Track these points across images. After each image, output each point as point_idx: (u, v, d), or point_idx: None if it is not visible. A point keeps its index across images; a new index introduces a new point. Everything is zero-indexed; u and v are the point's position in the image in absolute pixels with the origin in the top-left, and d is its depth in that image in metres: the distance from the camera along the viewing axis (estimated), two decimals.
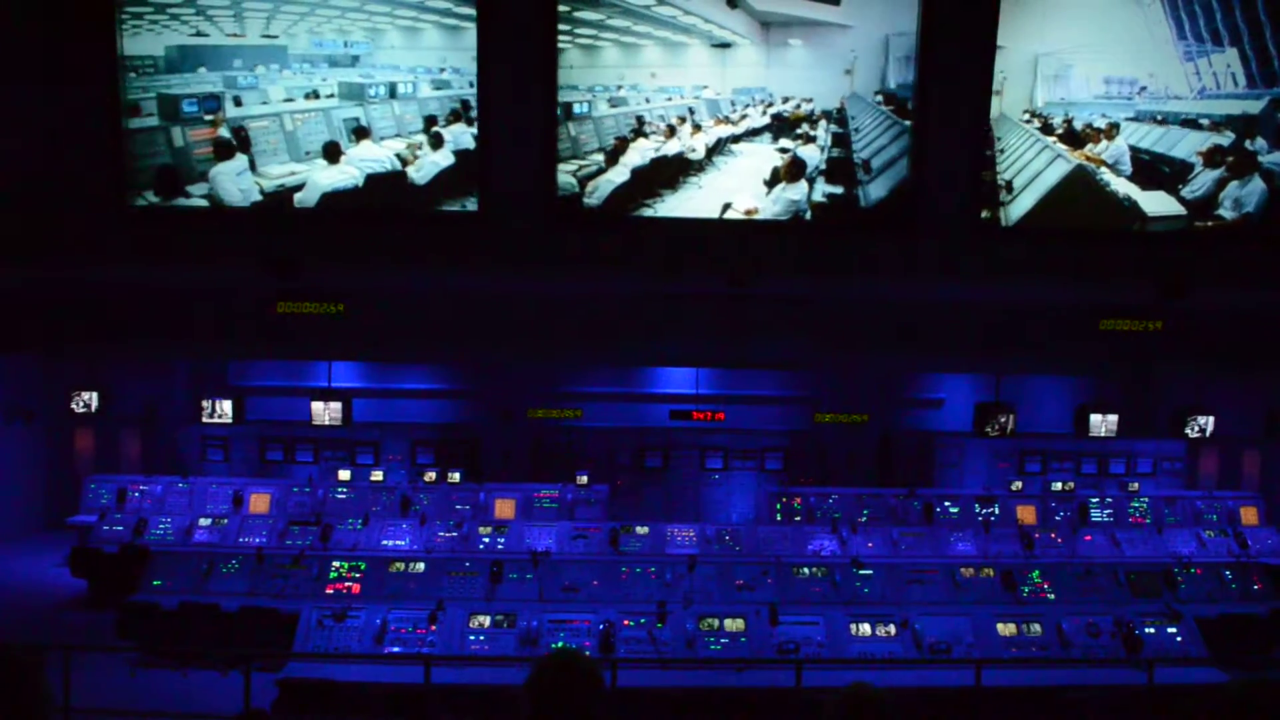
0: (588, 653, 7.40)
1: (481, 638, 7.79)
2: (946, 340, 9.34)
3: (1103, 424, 11.67)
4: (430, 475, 13.22)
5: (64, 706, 6.68)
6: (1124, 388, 15.17)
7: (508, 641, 7.75)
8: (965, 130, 7.91)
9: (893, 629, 7.91)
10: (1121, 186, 7.92)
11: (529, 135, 7.83)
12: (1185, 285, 8.26)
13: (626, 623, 7.84)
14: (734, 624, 7.90)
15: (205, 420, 12.13)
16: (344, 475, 13.61)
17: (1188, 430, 11.76)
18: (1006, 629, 7.99)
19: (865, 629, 7.91)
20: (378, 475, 13.60)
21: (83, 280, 8.85)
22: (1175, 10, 7.58)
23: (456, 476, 13.13)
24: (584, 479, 12.95)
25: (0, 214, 7.95)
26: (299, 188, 7.84)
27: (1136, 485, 13.78)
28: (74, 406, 12.60)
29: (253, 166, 7.80)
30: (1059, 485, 13.28)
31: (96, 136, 7.79)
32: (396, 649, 7.69)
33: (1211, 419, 11.62)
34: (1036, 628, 8.01)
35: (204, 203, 7.82)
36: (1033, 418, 14.26)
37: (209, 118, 7.72)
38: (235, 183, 7.80)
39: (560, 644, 7.65)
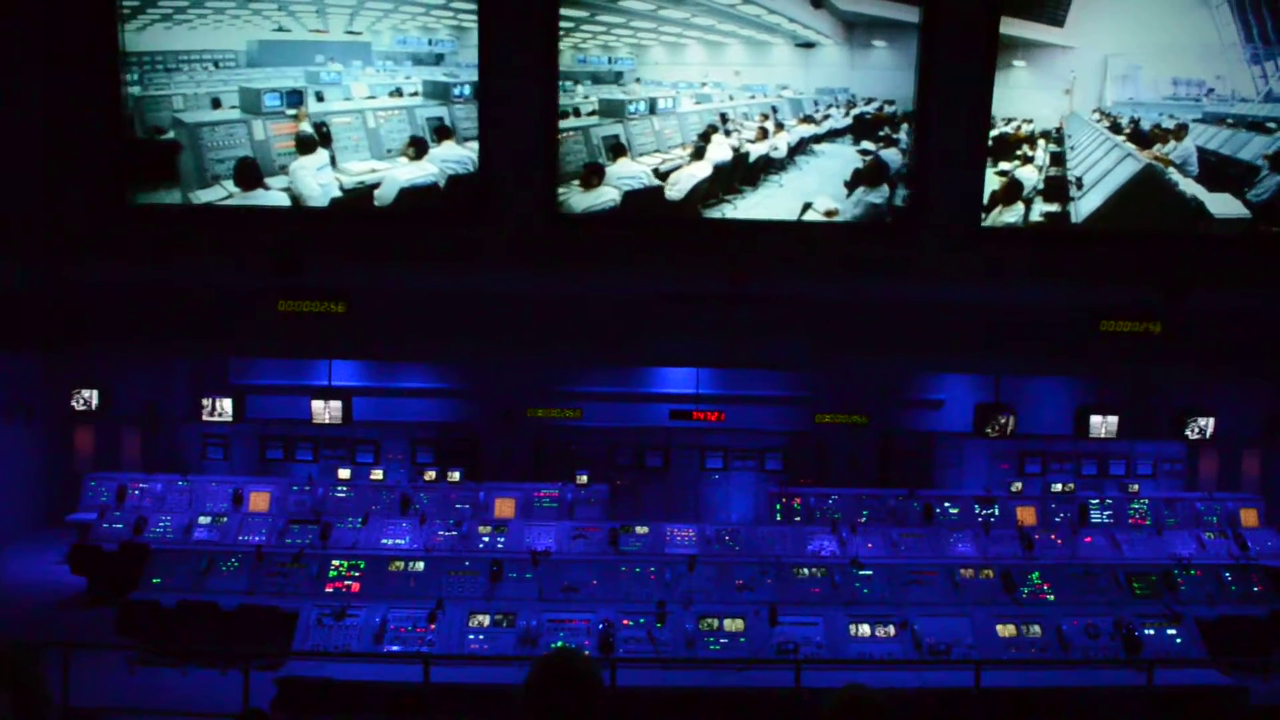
0: (587, 652, 7.40)
1: (481, 637, 7.79)
2: (946, 341, 9.34)
3: (1103, 425, 11.66)
4: (430, 474, 13.21)
5: (63, 704, 6.67)
6: (1124, 389, 15.16)
7: (507, 641, 7.75)
8: (967, 134, 7.93)
9: (892, 630, 7.91)
10: (1189, 187, 7.96)
11: (532, 132, 7.83)
12: (1185, 287, 8.27)
13: (626, 622, 7.84)
14: (733, 624, 7.89)
15: (205, 418, 12.12)
16: (344, 474, 13.61)
17: (1188, 432, 11.75)
18: (1006, 630, 7.98)
19: (865, 629, 7.91)
20: (377, 474, 13.59)
21: (82, 278, 8.84)
22: (1243, 13, 7.60)
23: (456, 476, 13.12)
24: (584, 479, 12.95)
25: (3, 214, 7.96)
26: (379, 185, 7.85)
27: (1136, 486, 13.77)
28: (74, 404, 12.59)
29: (333, 162, 7.80)
30: (1059, 486, 13.26)
31: (96, 134, 7.79)
32: (396, 648, 7.69)
33: (1211, 420, 11.60)
34: (1036, 629, 8.01)
35: (286, 198, 7.82)
36: (1033, 419, 14.25)
37: (291, 112, 7.72)
38: (315, 177, 7.81)
39: (559, 643, 7.65)
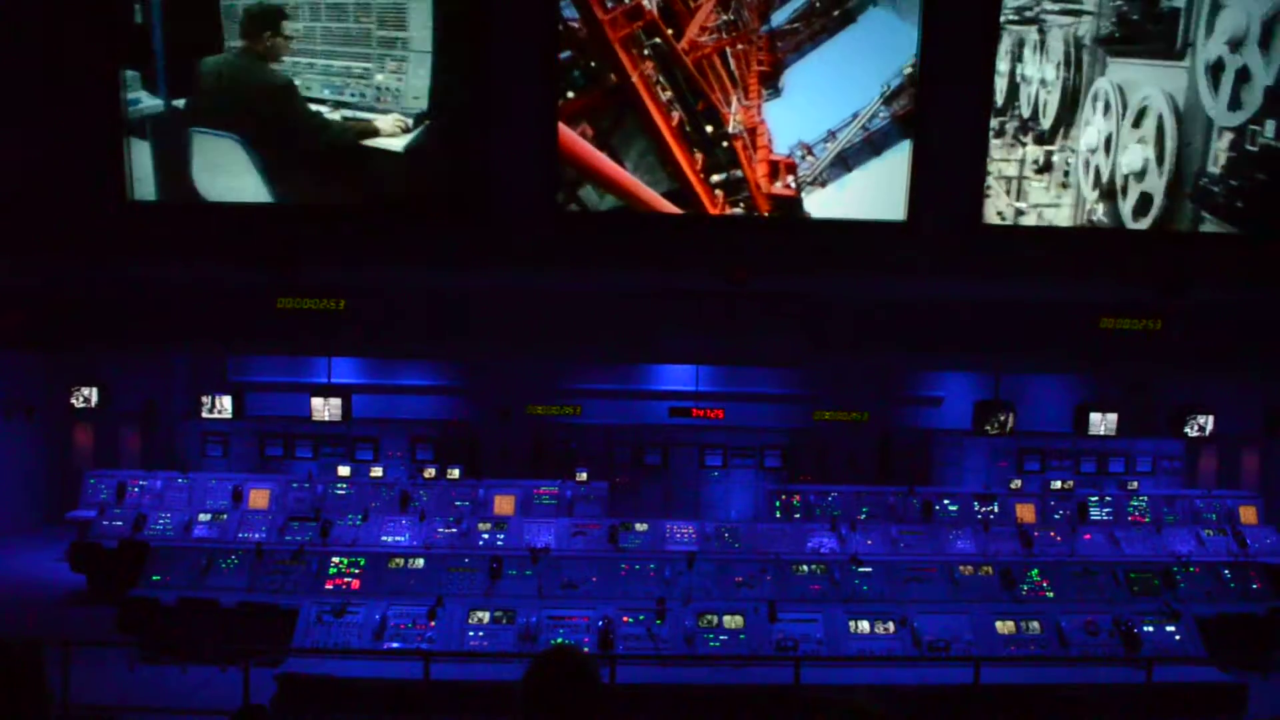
0: (586, 649, 7.41)
1: (480, 634, 7.80)
2: (946, 338, 9.34)
3: (1102, 423, 11.66)
4: (429, 471, 13.23)
5: (64, 701, 6.68)
6: (1123, 386, 15.18)
7: (507, 637, 7.76)
8: (967, 133, 7.93)
9: (891, 626, 7.92)
10: None
11: (533, 131, 7.82)
12: (1185, 283, 8.27)
13: (625, 619, 7.85)
14: (733, 621, 7.90)
15: (205, 416, 12.13)
16: (343, 471, 13.62)
17: (1187, 429, 11.75)
18: (1005, 627, 7.99)
19: (864, 626, 7.92)
20: (377, 471, 13.61)
21: (82, 277, 8.84)
22: None
23: (456, 473, 13.14)
24: (583, 475, 12.96)
25: (1, 212, 7.96)
26: None
27: (1136, 484, 13.79)
28: (74, 402, 12.60)
29: None
30: (1058, 484, 13.28)
31: (97, 133, 7.78)
32: (396, 645, 7.70)
33: (1211, 418, 11.61)
34: (1035, 626, 8.02)
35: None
36: (1032, 416, 14.27)
37: None
38: None
39: (559, 640, 7.66)
